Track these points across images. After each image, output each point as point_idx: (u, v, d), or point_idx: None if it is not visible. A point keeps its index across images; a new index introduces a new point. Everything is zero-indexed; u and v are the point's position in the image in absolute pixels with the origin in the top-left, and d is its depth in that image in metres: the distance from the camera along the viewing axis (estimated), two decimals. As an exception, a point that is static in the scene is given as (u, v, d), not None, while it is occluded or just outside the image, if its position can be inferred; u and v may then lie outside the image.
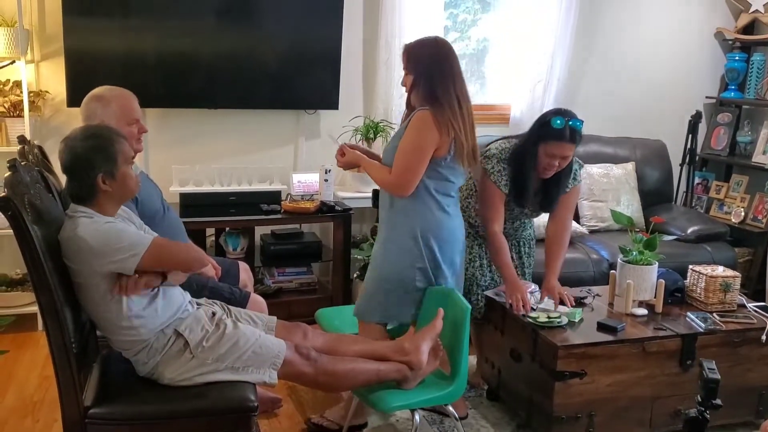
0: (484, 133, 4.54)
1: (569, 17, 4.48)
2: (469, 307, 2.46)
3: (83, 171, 2.04)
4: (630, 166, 4.44)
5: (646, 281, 2.89)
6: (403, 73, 2.62)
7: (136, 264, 1.98)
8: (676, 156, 4.78)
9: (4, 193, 1.90)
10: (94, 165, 2.03)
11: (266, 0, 3.82)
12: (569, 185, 2.99)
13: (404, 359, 2.39)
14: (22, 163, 2.11)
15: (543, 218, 3.29)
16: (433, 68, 2.52)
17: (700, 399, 1.57)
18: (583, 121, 2.81)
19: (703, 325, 2.78)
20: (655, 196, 4.55)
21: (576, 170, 3.01)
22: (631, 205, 4.31)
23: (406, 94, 2.68)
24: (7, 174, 2.00)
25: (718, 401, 1.57)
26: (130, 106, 2.56)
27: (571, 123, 2.79)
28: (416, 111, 2.53)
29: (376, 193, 2.82)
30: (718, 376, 1.58)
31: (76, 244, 1.98)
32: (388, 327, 2.74)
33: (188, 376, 2.10)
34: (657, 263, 2.91)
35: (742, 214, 4.62)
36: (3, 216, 3.53)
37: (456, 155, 2.55)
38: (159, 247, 2.04)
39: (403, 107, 4.21)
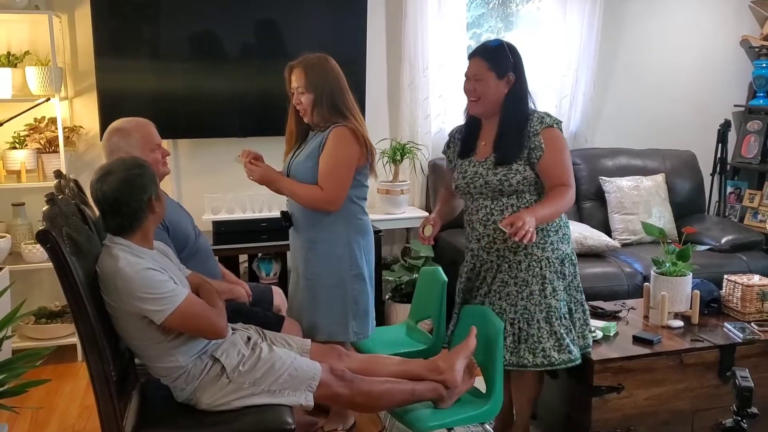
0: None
1: (592, 31, 4.49)
2: (503, 325, 2.45)
3: (136, 197, 2.08)
4: (660, 178, 4.41)
5: (680, 293, 2.86)
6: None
7: (163, 319, 2.03)
8: (706, 166, 4.73)
9: (43, 227, 1.96)
10: (147, 189, 2.09)
11: (290, 29, 3.91)
12: (531, 134, 2.42)
13: (439, 378, 2.39)
14: (59, 197, 2.18)
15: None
16: (333, 84, 2.70)
17: (735, 408, 1.55)
18: (500, 40, 2.52)
19: (741, 335, 2.74)
20: (687, 206, 4.51)
21: (535, 123, 2.44)
22: (662, 217, 4.26)
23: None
24: (45, 207, 2.06)
25: (755, 410, 1.55)
26: (150, 133, 2.61)
27: (484, 42, 2.64)
28: (332, 128, 2.68)
29: (285, 214, 2.86)
30: (751, 384, 1.56)
31: (115, 280, 2.03)
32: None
33: (226, 400, 2.13)
34: (691, 274, 2.88)
35: (778, 221, 4.55)
36: (42, 250, 3.61)
37: (371, 161, 2.78)
38: (187, 309, 2.05)
39: (429, 128, 4.32)
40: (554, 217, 2.44)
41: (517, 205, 2.47)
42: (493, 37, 4.67)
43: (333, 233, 2.75)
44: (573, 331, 2.53)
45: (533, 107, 2.51)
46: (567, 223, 2.57)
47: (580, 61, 4.51)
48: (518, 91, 2.46)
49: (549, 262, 2.48)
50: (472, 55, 2.53)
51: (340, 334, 2.78)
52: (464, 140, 2.62)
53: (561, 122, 2.49)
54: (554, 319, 2.48)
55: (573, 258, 2.58)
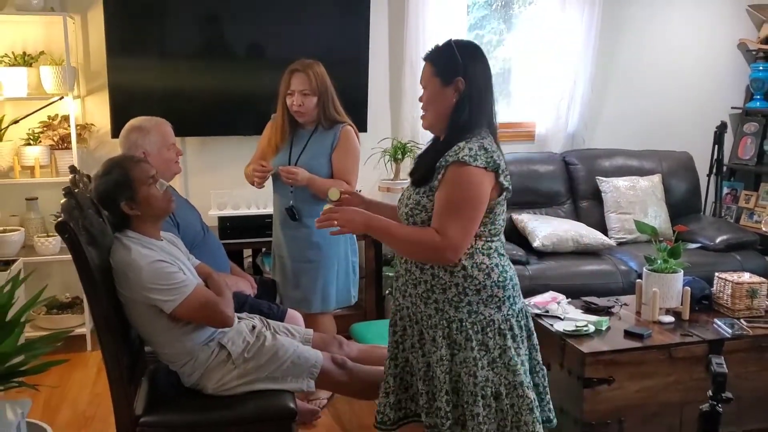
0: (511, 150, 4.67)
1: (591, 33, 4.58)
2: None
3: (110, 204, 2.22)
4: (656, 178, 4.50)
5: (671, 289, 2.95)
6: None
7: (172, 309, 2.14)
8: (703, 167, 4.82)
9: (61, 218, 2.07)
10: (115, 196, 2.20)
11: (295, 28, 4.02)
12: (441, 164, 1.96)
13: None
14: (75, 191, 2.29)
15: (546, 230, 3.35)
16: (331, 88, 2.99)
17: (711, 393, 1.65)
18: (453, 39, 2.06)
19: (730, 330, 2.83)
20: (683, 207, 4.59)
21: (451, 153, 1.94)
22: (658, 217, 4.35)
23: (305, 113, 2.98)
24: (63, 200, 2.17)
25: (728, 394, 1.64)
26: (167, 132, 2.75)
27: None
28: (341, 128, 3.00)
29: (291, 210, 3.01)
30: (725, 371, 1.65)
31: (126, 271, 2.14)
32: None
33: (231, 385, 2.24)
34: (682, 271, 2.97)
35: (773, 222, 4.64)
36: (54, 243, 3.73)
37: None
38: (196, 299, 2.16)
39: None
40: (388, 243, 2.07)
41: None
42: (495, 38, 4.77)
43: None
44: (490, 420, 2.00)
45: (478, 132, 1.97)
46: (502, 284, 2.00)
47: (579, 63, 4.60)
48: (468, 102, 1.98)
49: (462, 326, 1.98)
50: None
51: (346, 300, 3.20)
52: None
53: (490, 164, 1.92)
54: (461, 394, 2.00)
55: (504, 328, 2.01)
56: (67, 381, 3.50)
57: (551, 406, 2.20)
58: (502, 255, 2.05)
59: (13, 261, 3.55)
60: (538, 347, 2.17)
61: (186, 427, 2.19)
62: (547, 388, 2.20)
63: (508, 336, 2.01)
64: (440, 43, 2.04)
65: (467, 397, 1.98)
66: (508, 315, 2.01)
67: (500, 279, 2.00)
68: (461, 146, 1.92)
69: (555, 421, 2.20)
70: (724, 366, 1.66)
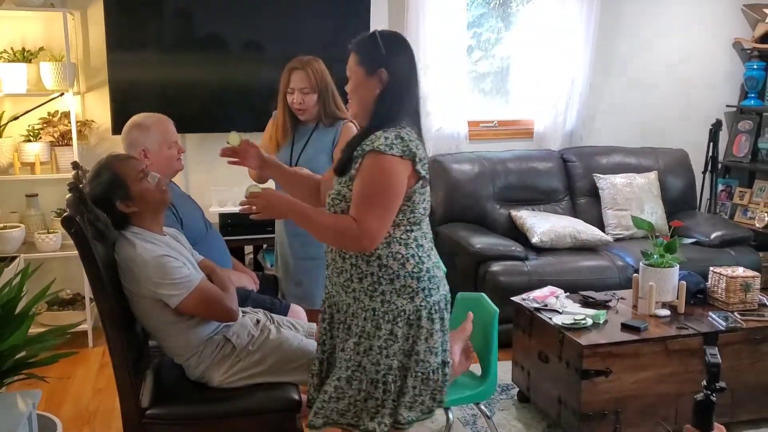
0: (509, 147, 4.71)
1: (589, 31, 4.62)
2: (497, 310, 2.59)
3: (106, 205, 2.24)
4: (653, 175, 4.55)
5: (667, 283, 3.00)
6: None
7: (177, 303, 2.16)
8: (698, 164, 4.87)
9: (67, 213, 2.10)
10: (110, 197, 2.22)
11: (295, 29, 4.04)
12: (359, 154, 1.98)
13: (436, 361, 2.52)
14: (80, 186, 2.32)
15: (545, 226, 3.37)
16: (331, 85, 3.00)
17: (705, 383, 1.69)
18: (379, 30, 2.08)
19: (724, 323, 2.88)
20: (679, 203, 4.65)
21: (367, 142, 1.96)
22: (654, 213, 4.40)
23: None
24: (68, 195, 2.20)
25: (722, 384, 1.68)
26: (168, 130, 2.75)
27: None
28: (342, 124, 3.00)
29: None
30: (719, 361, 1.70)
31: (132, 266, 2.16)
32: None
33: (236, 378, 2.27)
34: (678, 266, 3.01)
35: (766, 219, 4.68)
36: (54, 239, 3.74)
37: None
38: (200, 294, 2.19)
39: (429, 126, 4.44)
40: (308, 229, 2.02)
41: None
42: (494, 37, 4.80)
43: None
44: (388, 402, 2.01)
45: (399, 123, 1.97)
46: (416, 275, 1.99)
47: (577, 61, 4.64)
48: (391, 93, 1.98)
49: (374, 315, 1.99)
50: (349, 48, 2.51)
51: None
52: None
53: (406, 152, 1.91)
54: (353, 383, 2.03)
55: (413, 319, 2.00)
56: (69, 376, 3.52)
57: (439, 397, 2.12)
58: (422, 246, 2.03)
59: (14, 258, 3.56)
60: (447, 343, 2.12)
61: (192, 419, 2.22)
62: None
63: (414, 326, 2.00)
64: (366, 33, 2.05)
65: (366, 385, 2.00)
66: (420, 306, 2.00)
67: (415, 270, 1.99)
68: (377, 135, 1.93)
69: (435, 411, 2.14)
70: (718, 356, 1.70)
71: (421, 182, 1.97)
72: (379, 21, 4.31)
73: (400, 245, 1.98)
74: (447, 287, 2.12)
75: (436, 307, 2.03)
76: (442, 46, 4.39)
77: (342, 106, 3.04)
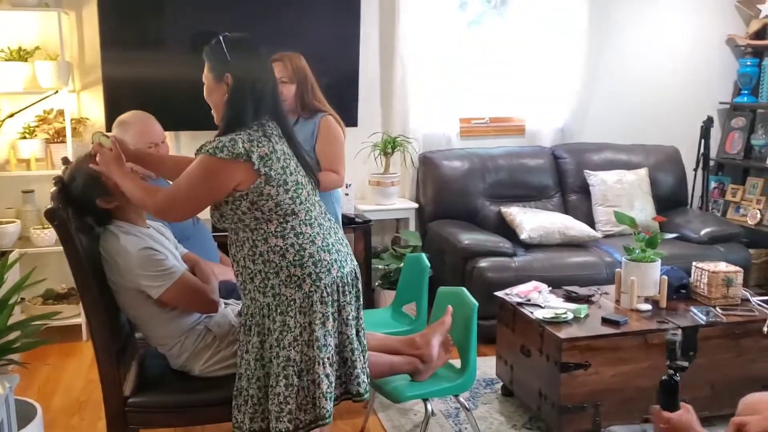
0: (501, 144, 4.75)
1: (581, 28, 4.65)
2: (477, 304, 2.63)
3: (88, 205, 2.28)
4: (643, 172, 4.57)
5: (649, 278, 3.03)
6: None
7: (159, 294, 2.21)
8: (691, 161, 4.89)
9: (51, 206, 2.15)
10: (89, 197, 2.26)
11: (288, 27, 4.09)
12: None
13: (416, 353, 2.57)
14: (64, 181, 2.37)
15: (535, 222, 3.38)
16: (311, 77, 3.07)
17: (667, 362, 1.74)
18: (224, 35, 2.12)
19: (704, 318, 2.91)
20: (669, 200, 4.67)
21: (206, 144, 2.05)
22: (644, 209, 4.43)
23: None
24: (53, 189, 2.25)
25: (684, 363, 1.73)
26: (147, 131, 2.73)
27: None
28: (320, 117, 3.05)
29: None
30: (679, 338, 1.74)
31: (116, 258, 2.21)
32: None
33: (216, 367, 2.31)
34: (660, 260, 3.04)
35: (758, 215, 4.70)
36: (49, 235, 3.80)
37: None
38: (182, 286, 2.24)
39: (421, 123, 4.49)
40: (125, 190, 2.11)
41: (252, 239, 2.06)
42: (488, 33, 4.83)
43: (333, 204, 3.16)
44: (292, 398, 2.05)
45: (250, 126, 2.04)
46: (299, 262, 2.04)
47: (568, 58, 4.67)
48: (236, 97, 2.05)
49: (269, 311, 2.06)
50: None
51: None
52: None
53: (238, 155, 1.96)
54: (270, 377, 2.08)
55: (305, 305, 2.05)
56: (62, 368, 3.59)
57: (361, 380, 2.19)
58: (302, 233, 2.06)
59: (10, 252, 3.63)
60: (351, 321, 2.16)
61: (172, 407, 2.27)
62: (357, 362, 2.18)
63: (308, 313, 2.04)
64: (214, 39, 2.10)
65: (272, 379, 2.05)
66: (310, 292, 2.04)
67: (296, 258, 2.04)
68: (213, 139, 2.02)
69: (367, 395, 2.20)
70: (679, 335, 1.75)
71: (263, 178, 1.99)
72: (370, 16, 4.35)
73: (276, 238, 2.04)
74: (347, 267, 2.15)
75: (329, 290, 2.07)
76: (434, 43, 4.43)
77: (323, 100, 3.09)
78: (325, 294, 2.07)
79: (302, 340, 2.05)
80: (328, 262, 2.09)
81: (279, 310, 2.05)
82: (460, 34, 4.62)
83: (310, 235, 2.08)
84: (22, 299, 3.85)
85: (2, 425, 1.63)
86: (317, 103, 3.08)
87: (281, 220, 2.05)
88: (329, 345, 2.08)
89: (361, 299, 2.26)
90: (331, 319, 2.09)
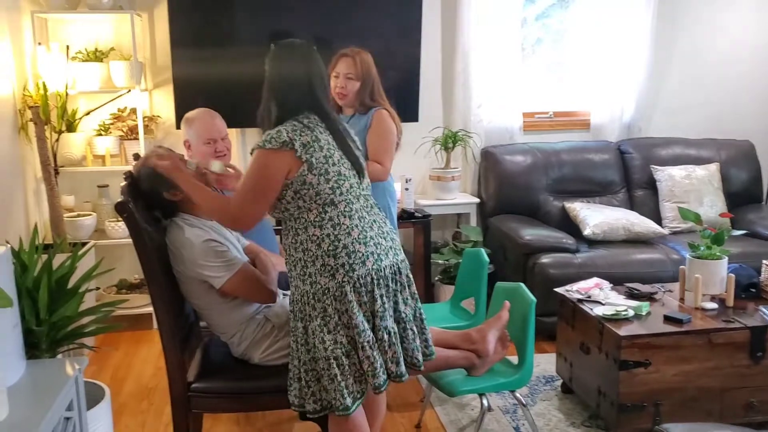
0: (565, 138, 4.68)
1: (648, 20, 4.54)
2: (535, 300, 2.62)
3: (156, 199, 2.38)
4: (713, 167, 4.43)
5: (715, 275, 2.94)
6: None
7: (221, 284, 2.30)
8: (766, 156, 4.70)
9: (121, 199, 2.26)
10: (157, 192, 2.36)
11: (351, 25, 4.15)
12: None
13: (472, 347, 2.57)
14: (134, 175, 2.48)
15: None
16: (375, 76, 3.10)
17: None
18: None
19: (774, 317, 2.80)
20: (742, 196, 4.52)
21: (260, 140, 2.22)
22: (714, 206, 4.29)
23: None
24: (122, 183, 2.37)
25: None
26: (207, 128, 2.80)
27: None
28: (374, 111, 3.07)
29: None
30: None
31: (181, 249, 2.31)
32: None
33: (275, 356, 2.38)
34: (726, 258, 2.95)
35: (839, 213, 4.48)
36: (123, 227, 3.97)
37: (399, 138, 3.18)
38: (242, 276, 2.32)
39: (482, 117, 4.47)
40: (192, 194, 2.25)
41: (295, 228, 2.16)
42: (553, 27, 4.76)
43: (385, 197, 3.17)
44: (347, 376, 2.12)
45: (293, 119, 2.19)
46: (332, 252, 2.11)
47: (635, 50, 4.56)
48: (273, 97, 2.26)
49: (308, 298, 2.13)
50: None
51: None
52: None
53: (283, 144, 2.09)
54: (318, 362, 2.13)
55: (339, 294, 2.11)
56: (134, 355, 3.75)
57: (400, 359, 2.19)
58: (339, 224, 2.12)
59: (86, 243, 3.82)
60: (381, 312, 2.15)
61: (233, 393, 2.35)
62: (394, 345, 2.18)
63: (343, 301, 2.10)
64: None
65: (323, 363, 2.10)
66: (342, 282, 2.10)
67: (330, 248, 2.10)
68: (265, 134, 2.15)
69: (406, 376, 2.21)
70: None
71: (305, 166, 2.09)
72: (432, 12, 4.36)
73: (315, 227, 2.12)
74: (385, 261, 2.18)
75: (361, 281, 2.12)
76: (495, 38, 4.40)
77: (383, 98, 3.11)
78: (358, 285, 2.11)
79: (341, 324, 2.11)
80: (363, 254, 2.12)
81: (317, 298, 2.12)
82: (522, 26, 4.57)
83: (348, 227, 2.13)
84: (97, 288, 4.04)
85: (72, 404, 1.73)
86: (373, 102, 3.10)
87: (320, 210, 2.12)
88: (367, 330, 2.12)
89: (408, 291, 2.27)
90: (360, 310, 2.13)
